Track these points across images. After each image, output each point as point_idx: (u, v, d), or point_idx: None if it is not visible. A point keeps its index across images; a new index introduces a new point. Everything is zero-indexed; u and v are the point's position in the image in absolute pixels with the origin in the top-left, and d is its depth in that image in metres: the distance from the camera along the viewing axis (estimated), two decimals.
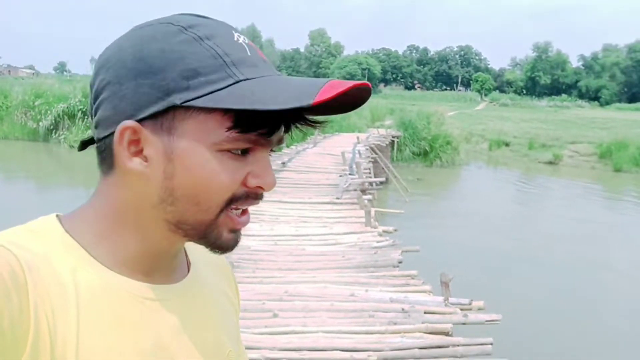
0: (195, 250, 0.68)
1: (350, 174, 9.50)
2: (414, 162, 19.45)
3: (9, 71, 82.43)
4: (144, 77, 0.54)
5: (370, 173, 10.95)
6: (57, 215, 0.60)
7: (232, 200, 0.57)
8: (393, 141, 19.15)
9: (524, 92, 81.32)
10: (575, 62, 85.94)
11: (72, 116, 20.48)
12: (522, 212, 13.39)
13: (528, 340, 5.47)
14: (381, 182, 10.46)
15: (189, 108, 0.54)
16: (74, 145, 18.47)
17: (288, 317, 3.98)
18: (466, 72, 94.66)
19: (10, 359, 0.48)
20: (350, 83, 0.53)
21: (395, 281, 4.76)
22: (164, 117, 0.55)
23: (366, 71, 78.90)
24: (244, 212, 0.60)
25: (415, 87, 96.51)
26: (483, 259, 8.45)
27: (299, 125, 0.59)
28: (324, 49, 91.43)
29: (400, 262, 5.24)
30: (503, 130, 28.40)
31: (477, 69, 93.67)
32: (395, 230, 6.67)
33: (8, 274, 0.49)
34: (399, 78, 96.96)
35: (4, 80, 32.50)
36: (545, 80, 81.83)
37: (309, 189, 8.72)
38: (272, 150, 0.60)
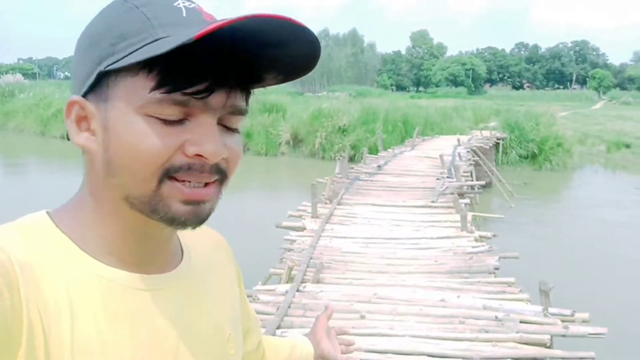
0: (191, 234, 0.63)
1: (448, 177, 9.24)
2: (520, 165, 18.39)
3: None
4: (88, 51, 0.56)
5: (470, 176, 10.56)
6: (47, 212, 0.59)
7: (171, 170, 0.53)
8: (498, 143, 18.24)
9: None
10: None
11: None
12: None
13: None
14: (482, 186, 10.04)
15: (118, 73, 0.53)
16: None
17: (375, 320, 3.97)
18: (582, 69, 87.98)
19: (6, 357, 0.48)
20: (253, 14, 0.48)
21: (490, 288, 4.56)
22: (100, 87, 0.55)
23: (470, 72, 76.14)
24: (207, 185, 0.56)
25: (524, 86, 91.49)
26: (592, 269, 7.73)
27: (238, 86, 0.54)
28: (425, 51, 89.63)
29: (496, 269, 5.01)
30: (624, 130, 25.93)
31: (594, 65, 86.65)
32: (494, 235, 6.38)
33: None
34: (505, 78, 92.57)
35: None
36: None
37: (404, 192, 8.60)
38: (228, 127, 0.56)
